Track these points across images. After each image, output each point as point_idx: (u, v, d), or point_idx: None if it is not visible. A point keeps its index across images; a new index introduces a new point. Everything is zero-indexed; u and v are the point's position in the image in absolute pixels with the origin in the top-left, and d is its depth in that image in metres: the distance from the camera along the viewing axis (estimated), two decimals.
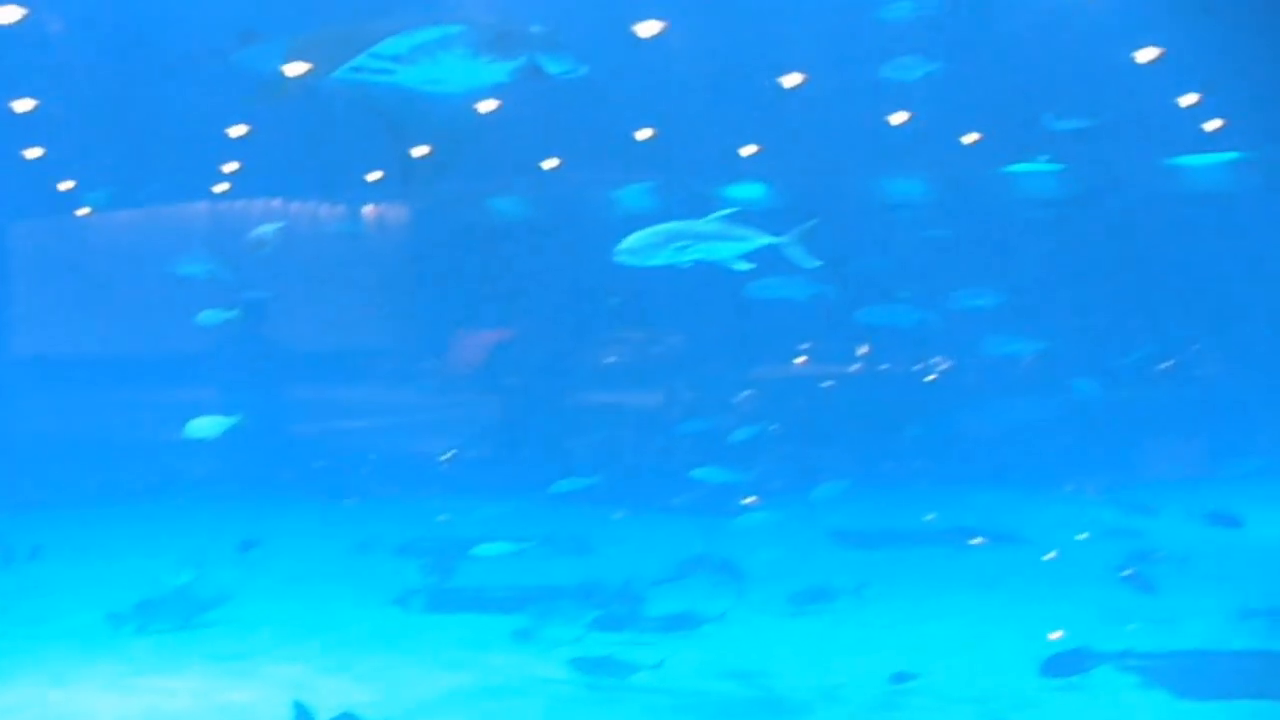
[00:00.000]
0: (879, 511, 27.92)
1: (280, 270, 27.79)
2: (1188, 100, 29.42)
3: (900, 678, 16.04)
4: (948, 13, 21.76)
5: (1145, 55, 26.15)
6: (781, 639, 18.70)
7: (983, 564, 23.99)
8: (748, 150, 32.78)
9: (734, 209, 14.96)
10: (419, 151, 26.70)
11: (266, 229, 20.99)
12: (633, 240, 14.44)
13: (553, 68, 15.05)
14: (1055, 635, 18.53)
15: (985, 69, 26.09)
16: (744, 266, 14.97)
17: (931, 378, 32.83)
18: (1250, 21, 24.53)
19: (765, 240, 14.84)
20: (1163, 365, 32.38)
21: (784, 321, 28.77)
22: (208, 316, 23.39)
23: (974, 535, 25.64)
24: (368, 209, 38.89)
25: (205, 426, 20.12)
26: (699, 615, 18.64)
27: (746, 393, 31.21)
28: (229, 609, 19.62)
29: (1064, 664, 15.87)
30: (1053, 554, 23.50)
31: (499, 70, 14.92)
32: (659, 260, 14.37)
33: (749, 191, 33.75)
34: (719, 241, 14.61)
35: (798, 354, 33.23)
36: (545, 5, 15.67)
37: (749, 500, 25.01)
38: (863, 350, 33.06)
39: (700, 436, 27.40)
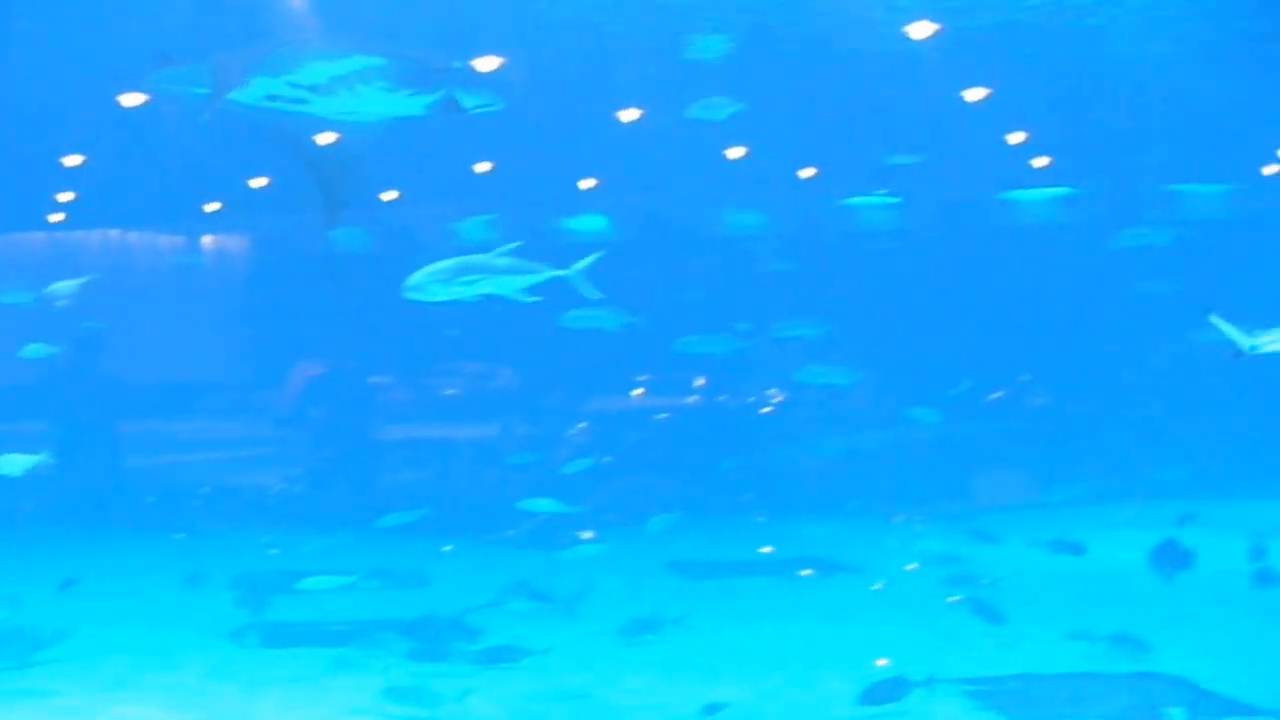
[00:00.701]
0: (714, 542, 28.02)
1: (116, 301, 27.33)
2: (1016, 138, 30.12)
3: (712, 709, 16.03)
4: (761, 52, 22.12)
5: (974, 95, 26.71)
6: (607, 669, 18.64)
7: (814, 593, 24.21)
8: (587, 184, 32.94)
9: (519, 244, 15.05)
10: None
11: (65, 285, 20.71)
12: (420, 275, 14.57)
13: (469, 103, 15.07)
14: (881, 663, 18.84)
15: (818, 106, 26.51)
16: (530, 299, 15.09)
17: (767, 409, 33.16)
18: (1072, 64, 25.28)
19: (551, 274, 15.01)
20: (992, 396, 33.06)
21: (621, 354, 28.94)
22: (33, 350, 22.92)
23: (805, 565, 25.88)
24: (207, 239, 38.44)
25: (10, 464, 19.67)
26: (524, 647, 18.57)
27: (581, 424, 31.33)
28: (65, 646, 19.14)
29: (883, 692, 16.00)
30: (880, 584, 23.83)
31: (416, 104, 14.89)
32: (447, 295, 14.45)
33: (591, 224, 33.90)
34: (505, 275, 14.76)
35: (634, 386, 33.39)
36: (391, 39, 15.69)
37: (586, 534, 25.09)
38: (699, 382, 33.30)
39: (532, 468, 27.45)
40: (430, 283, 14.53)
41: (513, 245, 15.02)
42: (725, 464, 31.20)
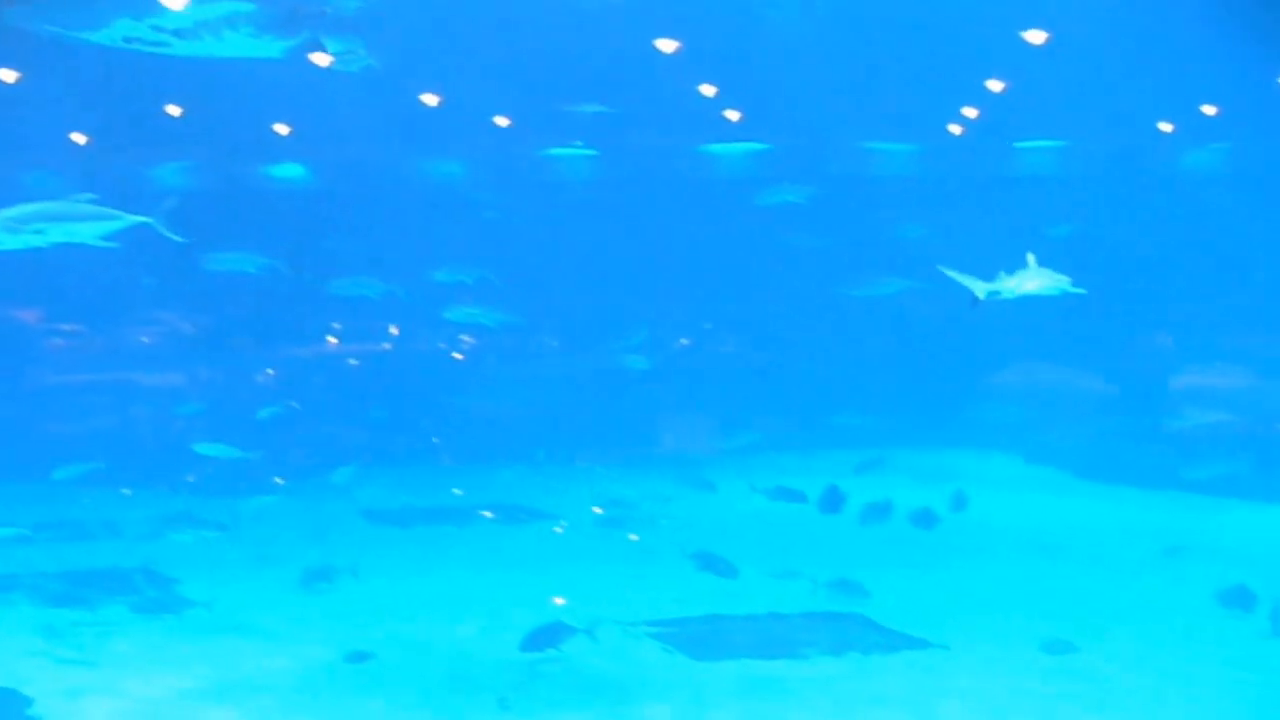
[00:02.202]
0: (404, 488, 28.15)
1: None
2: (709, 90, 30.50)
3: (358, 656, 16.16)
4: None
5: (668, 46, 26.94)
6: (281, 616, 18.62)
7: (499, 538, 24.52)
8: (282, 129, 32.41)
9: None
10: None
11: None
12: None
13: (334, 48, 14.70)
14: (559, 601, 19.51)
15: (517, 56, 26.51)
16: (109, 245, 14.86)
17: (458, 356, 33.22)
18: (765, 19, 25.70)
19: (131, 220, 14.80)
20: (680, 342, 33.75)
21: (317, 303, 28.77)
22: None
23: (494, 511, 26.16)
24: None
25: None
26: (194, 597, 18.43)
27: (269, 371, 31.01)
28: None
29: (543, 638, 16.06)
30: (561, 525, 24.28)
31: (275, 47, 14.47)
32: (16, 244, 14.11)
33: (290, 171, 33.43)
34: (80, 223, 14.50)
35: (326, 334, 33.10)
36: None
37: (278, 480, 24.95)
38: (393, 330, 33.20)
39: (216, 416, 27.10)
40: None
41: (87, 195, 14.70)
42: (416, 412, 31.16)
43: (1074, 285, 15.14)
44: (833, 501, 21.89)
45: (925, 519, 22.06)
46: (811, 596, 18.96)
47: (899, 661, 16.48)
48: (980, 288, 14.73)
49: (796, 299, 32.92)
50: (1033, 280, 14.92)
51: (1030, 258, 15.10)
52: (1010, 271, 14.92)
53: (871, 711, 14.57)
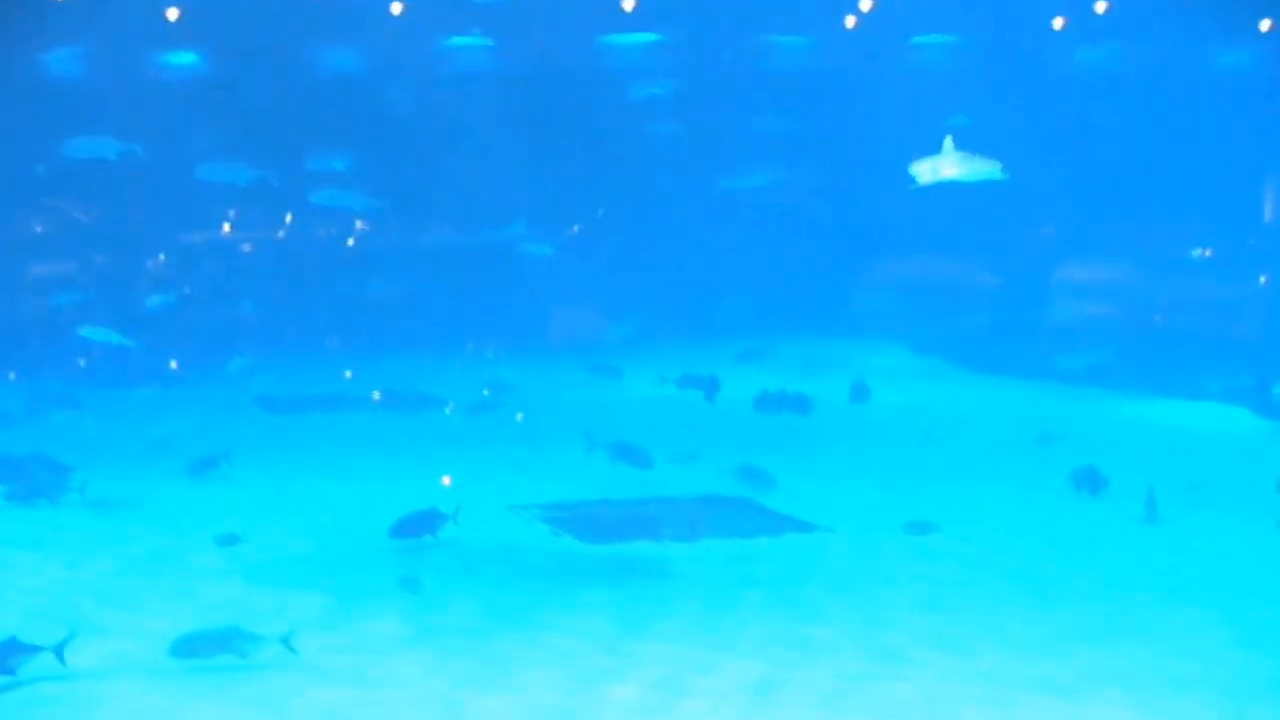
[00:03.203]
0: (296, 377, 28.33)
1: None
2: None
3: (227, 539, 16.38)
4: None
5: None
6: (170, 503, 18.82)
7: (389, 423, 24.89)
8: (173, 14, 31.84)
9: None
10: None
11: None
12: None
13: None
14: (445, 480, 20.04)
15: None
16: None
17: (350, 242, 33.21)
18: None
19: None
20: (572, 230, 33.99)
21: (210, 192, 28.63)
22: None
23: (377, 393, 26.44)
24: None
25: None
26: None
27: (161, 258, 30.89)
28: None
29: (414, 524, 16.27)
30: (450, 407, 24.66)
31: None
32: None
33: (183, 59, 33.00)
34: None
35: (220, 222, 32.93)
36: None
37: (173, 365, 24.97)
38: (288, 218, 33.13)
39: (101, 305, 27.01)
40: None
41: None
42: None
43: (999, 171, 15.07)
44: (712, 389, 22.19)
45: (806, 406, 22.38)
46: (716, 481, 19.29)
47: (782, 544, 16.90)
48: (923, 171, 14.76)
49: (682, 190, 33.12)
50: (958, 166, 14.96)
51: (948, 141, 15.18)
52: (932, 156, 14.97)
53: (743, 591, 14.97)
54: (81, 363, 26.14)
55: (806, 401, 22.21)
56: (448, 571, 15.44)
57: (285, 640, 12.23)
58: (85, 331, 22.04)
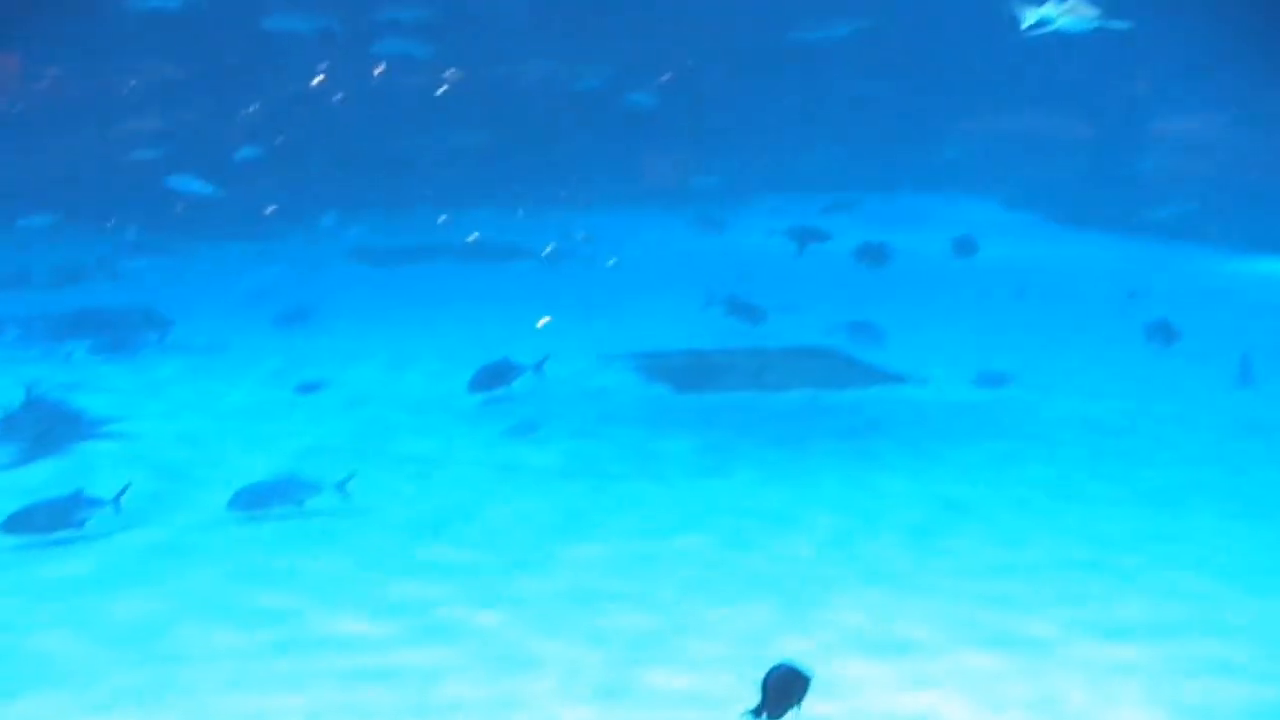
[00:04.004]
0: (390, 230, 28.67)
1: None
2: None
3: (308, 387, 16.58)
4: None
5: None
6: (258, 350, 19.21)
7: (483, 273, 25.14)
8: None
9: None
10: None
11: None
12: None
13: None
14: (543, 321, 20.32)
15: None
16: None
17: (442, 90, 32.77)
18: None
19: None
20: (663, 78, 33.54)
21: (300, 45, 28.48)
22: None
23: (474, 234, 26.53)
24: None
25: None
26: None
27: (252, 109, 30.72)
28: None
29: (490, 377, 16.16)
30: (550, 247, 24.78)
31: None
32: None
33: None
34: None
35: (311, 74, 32.55)
36: None
37: (269, 211, 24.88)
38: (378, 69, 32.67)
39: (190, 157, 26.99)
40: None
41: None
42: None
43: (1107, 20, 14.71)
44: (819, 240, 21.91)
45: (895, 258, 22.19)
46: (824, 335, 19.12)
47: (870, 396, 16.76)
48: (1030, 14, 14.40)
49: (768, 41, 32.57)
50: (1066, 12, 14.56)
51: None
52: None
53: (827, 441, 15.03)
54: (180, 209, 26.09)
55: (895, 254, 22.01)
56: (529, 421, 15.46)
57: (341, 486, 12.37)
58: (172, 181, 21.94)
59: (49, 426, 14.53)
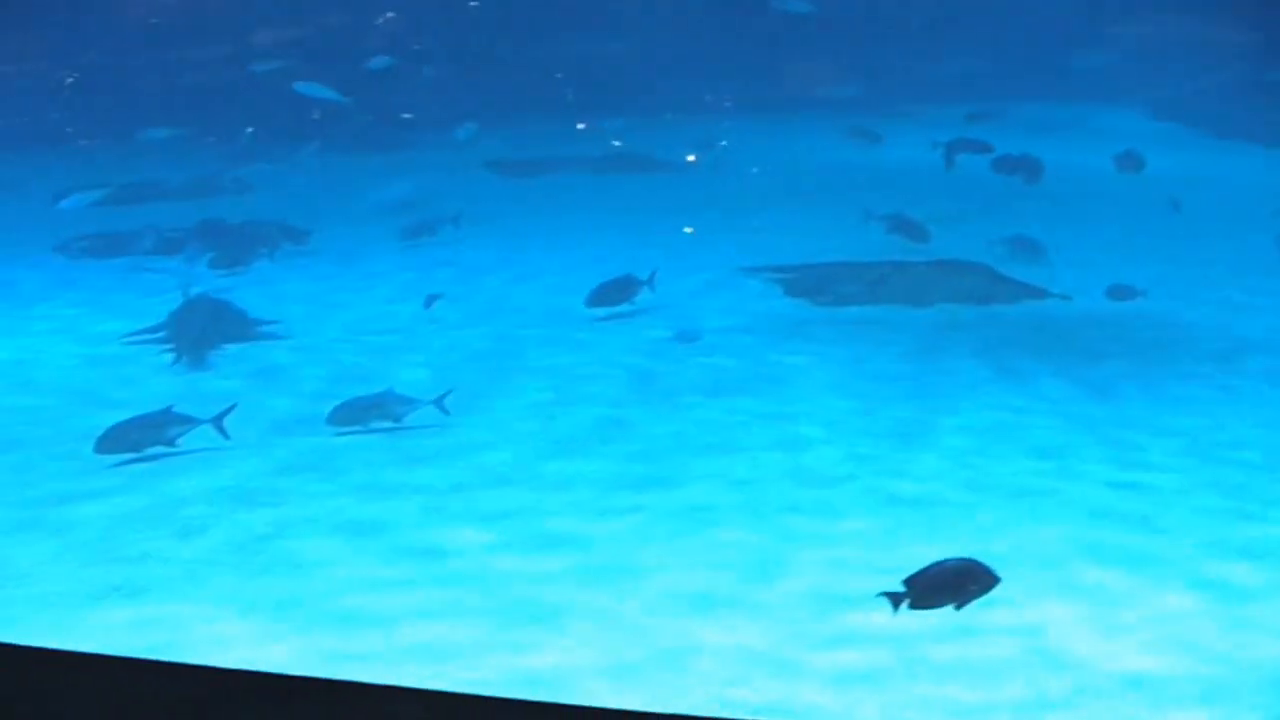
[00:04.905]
0: (526, 141, 28.38)
1: None
2: None
3: (430, 299, 16.50)
4: None
5: None
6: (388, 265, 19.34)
7: (626, 186, 25.03)
8: None
9: None
10: None
11: None
12: None
13: None
14: (688, 230, 20.50)
15: None
16: None
17: None
18: None
19: None
20: None
21: None
22: None
23: (617, 140, 26.52)
24: None
25: None
26: None
27: (389, 15, 30.49)
28: None
29: (611, 293, 16.16)
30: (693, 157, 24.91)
31: None
32: None
33: None
34: None
35: None
36: None
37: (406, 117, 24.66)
38: None
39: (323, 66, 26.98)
40: None
41: None
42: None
43: None
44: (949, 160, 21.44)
45: (1040, 172, 21.65)
46: (985, 250, 18.64)
47: (1012, 311, 16.68)
48: None
49: None
50: None
51: None
52: None
53: (962, 361, 14.67)
54: (317, 116, 26.11)
55: (1047, 166, 21.55)
56: (654, 340, 15.33)
57: (438, 403, 12.34)
58: (300, 87, 21.91)
59: (211, 326, 14.94)
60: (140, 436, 11.40)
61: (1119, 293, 16.97)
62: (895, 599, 7.82)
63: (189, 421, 11.65)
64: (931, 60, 31.81)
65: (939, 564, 8.02)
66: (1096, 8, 32.41)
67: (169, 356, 14.47)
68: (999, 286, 17.40)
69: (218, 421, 11.71)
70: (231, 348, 14.85)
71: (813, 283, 17.51)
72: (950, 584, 7.88)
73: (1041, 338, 15.56)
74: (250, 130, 26.04)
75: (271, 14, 29.88)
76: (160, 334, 15.06)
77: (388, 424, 12.14)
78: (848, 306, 16.75)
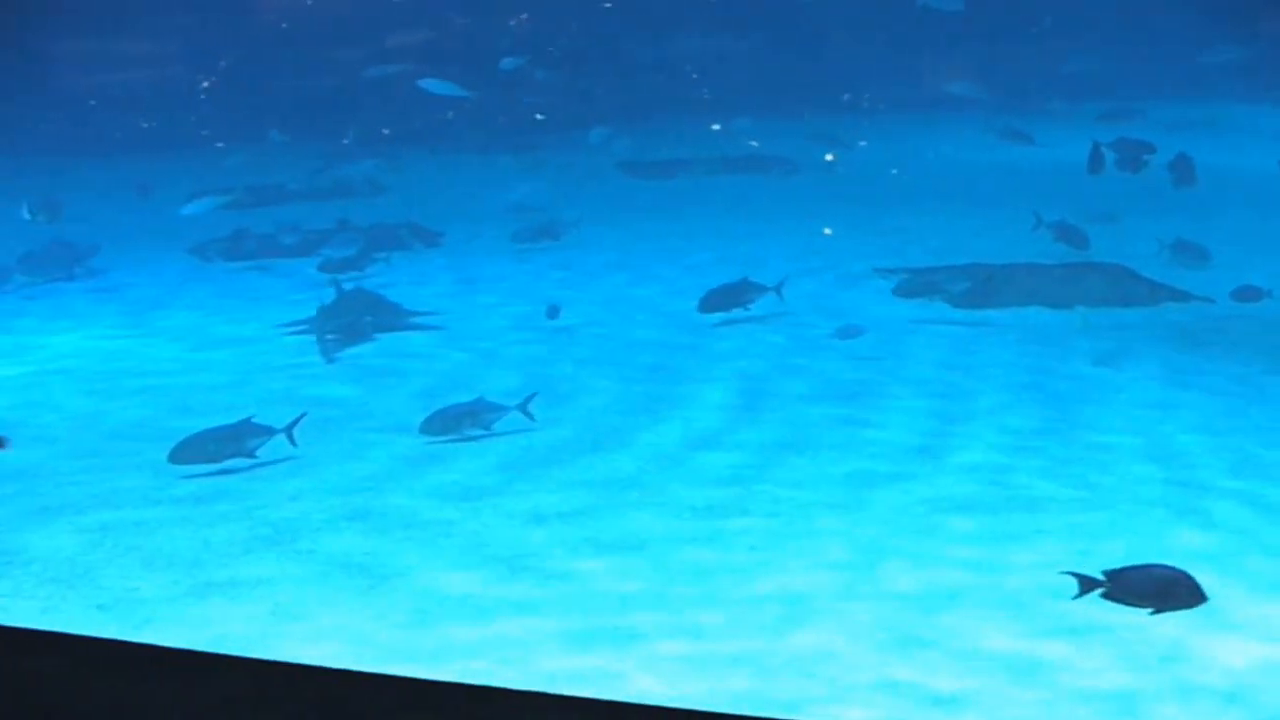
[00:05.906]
0: (659, 143, 28.02)
1: None
2: None
3: (553, 311, 16.06)
4: None
5: None
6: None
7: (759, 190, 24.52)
8: None
9: None
10: None
11: None
12: None
13: None
14: (827, 232, 20.34)
15: None
16: None
17: None
18: None
19: None
20: None
21: None
22: None
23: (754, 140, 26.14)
24: None
25: None
26: None
27: (523, 17, 30.38)
28: None
29: (719, 300, 15.73)
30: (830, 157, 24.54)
31: None
32: None
33: None
34: None
35: None
36: None
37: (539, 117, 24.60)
38: None
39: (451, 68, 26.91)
40: None
41: None
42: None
43: None
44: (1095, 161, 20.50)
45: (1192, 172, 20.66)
46: (1155, 258, 18.06)
47: (1152, 314, 16.25)
48: None
49: None
50: None
51: None
52: None
53: (1081, 366, 14.14)
54: (450, 115, 25.89)
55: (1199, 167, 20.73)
56: (772, 343, 14.95)
57: (523, 407, 12.04)
58: (424, 83, 21.74)
59: (362, 315, 15.21)
60: (216, 448, 10.99)
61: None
62: (1087, 584, 7.95)
63: (268, 431, 11.29)
64: (1060, 59, 30.77)
65: (1145, 567, 8.08)
66: (1227, 4, 30.93)
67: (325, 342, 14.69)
68: (1139, 287, 16.83)
69: (289, 431, 11.38)
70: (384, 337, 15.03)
71: (941, 283, 16.92)
72: (1153, 592, 7.92)
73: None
74: (385, 133, 25.87)
75: (402, 17, 29.70)
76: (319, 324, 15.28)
77: (478, 431, 11.79)
78: (982, 308, 16.42)
